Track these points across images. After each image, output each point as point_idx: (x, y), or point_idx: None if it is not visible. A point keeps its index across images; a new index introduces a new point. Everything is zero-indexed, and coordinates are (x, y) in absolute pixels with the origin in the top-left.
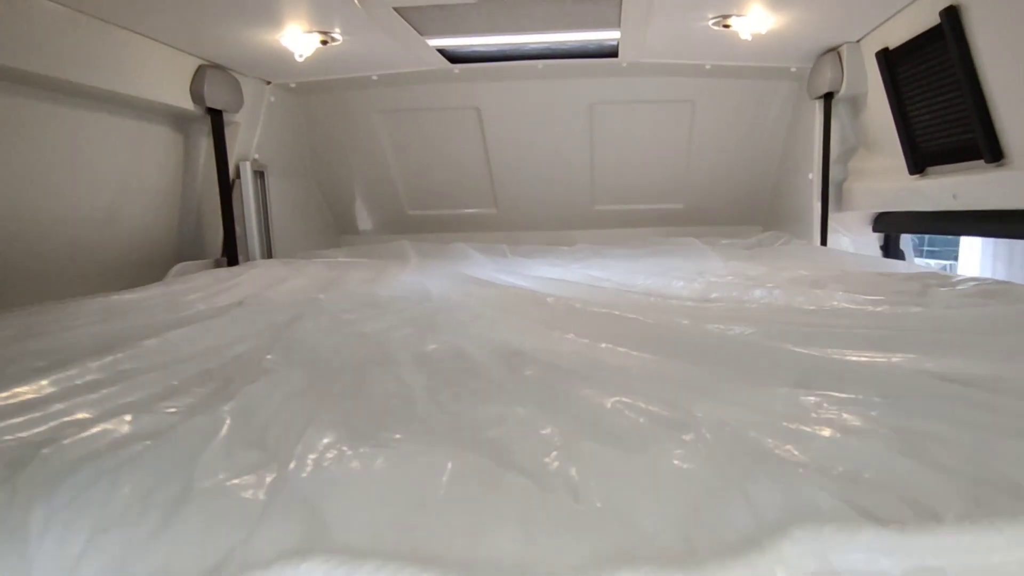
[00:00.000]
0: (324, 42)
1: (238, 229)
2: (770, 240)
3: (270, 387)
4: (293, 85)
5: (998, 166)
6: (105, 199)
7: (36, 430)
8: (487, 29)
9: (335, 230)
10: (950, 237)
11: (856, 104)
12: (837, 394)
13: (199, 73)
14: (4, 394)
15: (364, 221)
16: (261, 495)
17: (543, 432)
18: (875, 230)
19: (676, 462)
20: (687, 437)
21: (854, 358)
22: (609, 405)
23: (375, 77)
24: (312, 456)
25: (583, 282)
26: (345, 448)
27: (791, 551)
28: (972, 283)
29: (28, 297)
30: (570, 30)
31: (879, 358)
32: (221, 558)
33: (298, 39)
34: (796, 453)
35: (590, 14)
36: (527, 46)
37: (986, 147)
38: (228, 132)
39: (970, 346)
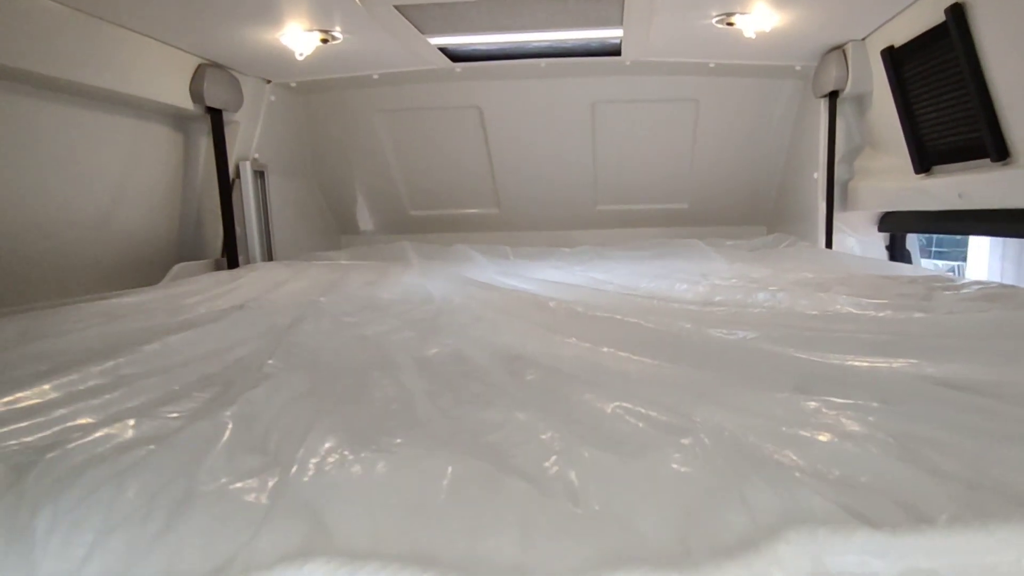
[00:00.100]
0: (324, 40)
1: (238, 229)
2: (775, 242)
3: (271, 392)
4: (293, 84)
5: (1004, 165)
6: (104, 199)
7: (40, 435)
8: (489, 27)
9: (336, 230)
10: (958, 238)
11: (861, 103)
12: (837, 399)
13: (199, 72)
14: (7, 399)
15: (365, 221)
16: (264, 499)
17: (543, 437)
18: (881, 230)
19: (674, 466)
20: (686, 442)
21: (855, 363)
22: (609, 410)
23: (376, 76)
24: (314, 460)
25: (585, 285)
26: (346, 452)
27: (786, 553)
28: (976, 287)
29: (27, 298)
30: (572, 28)
31: (880, 363)
32: (224, 560)
33: (298, 38)
34: (793, 458)
35: (592, 12)
36: (529, 44)
37: (992, 146)
38: (228, 131)
39: (972, 351)
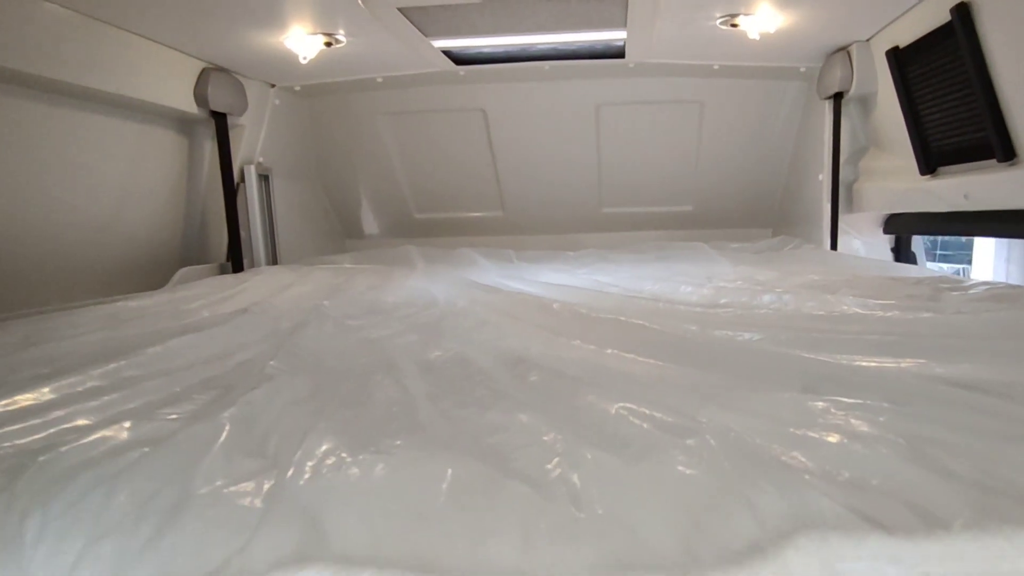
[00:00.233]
0: (328, 44)
1: (242, 233)
2: (780, 244)
3: (271, 394)
4: (298, 88)
5: (1011, 165)
6: (109, 203)
7: (35, 437)
8: (492, 30)
9: (340, 234)
10: (963, 241)
11: (866, 104)
12: (844, 399)
13: (203, 76)
14: (4, 401)
15: (370, 225)
16: (259, 502)
17: (545, 439)
18: (886, 231)
19: (680, 468)
20: (691, 443)
21: (863, 363)
22: (613, 411)
23: (380, 79)
24: (311, 463)
25: (590, 288)
26: (345, 455)
27: (796, 559)
28: (984, 287)
29: (32, 302)
30: (576, 31)
31: (888, 363)
32: (217, 566)
33: (302, 41)
34: (801, 459)
35: (596, 14)
36: (532, 47)
37: (998, 146)
38: (232, 135)
39: (980, 351)
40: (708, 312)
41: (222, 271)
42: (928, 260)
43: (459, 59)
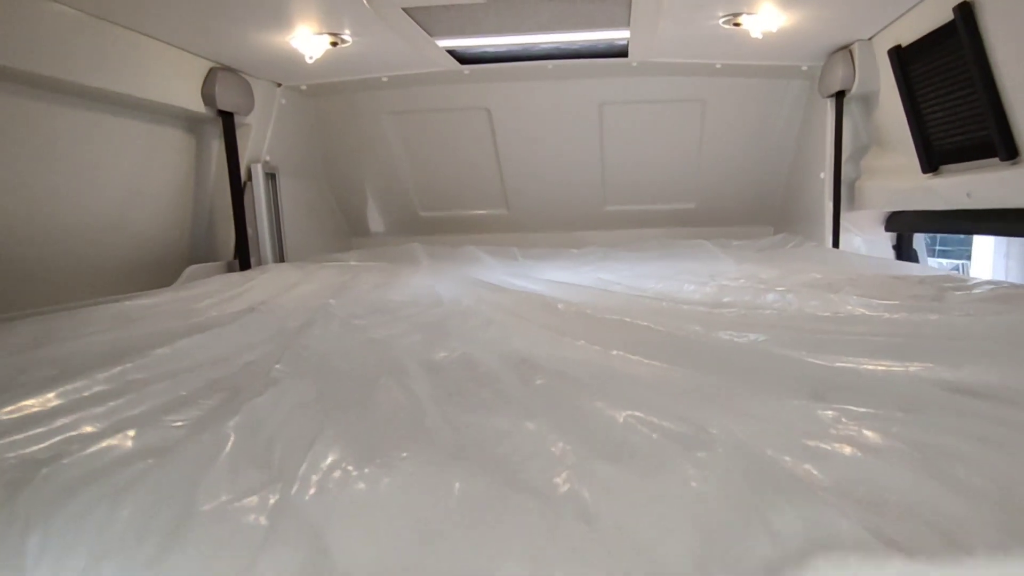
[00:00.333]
0: (334, 44)
1: (249, 231)
2: (782, 242)
3: (277, 398)
4: (304, 87)
5: (1013, 164)
6: (117, 202)
7: (38, 447)
8: (496, 30)
9: (347, 232)
10: (962, 237)
11: (868, 102)
12: (855, 408)
13: (210, 76)
14: (10, 408)
15: (376, 223)
16: (263, 520)
17: (553, 450)
18: (888, 229)
19: (692, 484)
20: (703, 456)
21: (870, 367)
22: (621, 420)
23: (385, 79)
24: (316, 477)
25: (593, 286)
26: (350, 468)
27: None
28: (988, 287)
29: (41, 300)
30: (579, 30)
31: (896, 367)
32: None
33: (308, 41)
34: (815, 473)
35: (599, 14)
36: (536, 46)
37: (1001, 145)
38: (239, 134)
39: (988, 354)
40: (713, 312)
41: (229, 269)
42: (927, 256)
43: (464, 58)
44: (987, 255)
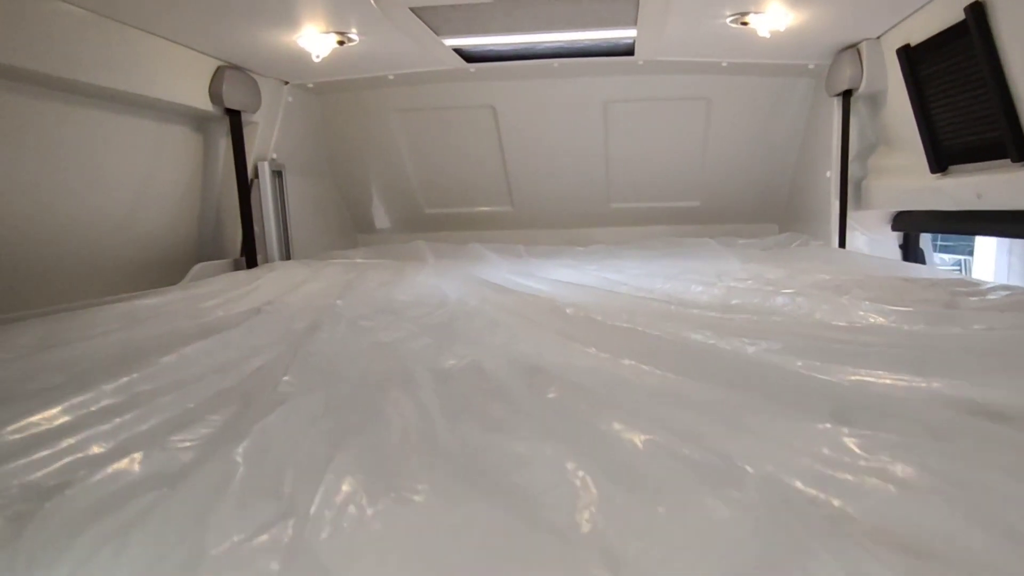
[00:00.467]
0: (341, 42)
1: (256, 229)
2: (787, 241)
3: (286, 416)
4: (311, 85)
5: None
6: (125, 200)
7: (43, 472)
8: (503, 28)
9: (353, 229)
10: None
11: (876, 101)
12: (883, 434)
13: (218, 74)
14: (14, 427)
15: (381, 220)
16: (276, 564)
17: (574, 481)
18: (894, 229)
19: (721, 525)
20: (734, 495)
21: (889, 381)
22: (641, 445)
23: (391, 77)
24: (329, 514)
25: (599, 287)
26: (364, 502)
27: None
28: (1003, 292)
29: (49, 298)
30: (586, 29)
31: (918, 382)
32: None
33: (315, 40)
34: (850, 512)
35: (606, 12)
36: (542, 45)
37: (1013, 146)
38: (246, 132)
39: (1013, 370)
40: (722, 317)
41: (236, 266)
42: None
43: (470, 56)
44: (989, 252)
